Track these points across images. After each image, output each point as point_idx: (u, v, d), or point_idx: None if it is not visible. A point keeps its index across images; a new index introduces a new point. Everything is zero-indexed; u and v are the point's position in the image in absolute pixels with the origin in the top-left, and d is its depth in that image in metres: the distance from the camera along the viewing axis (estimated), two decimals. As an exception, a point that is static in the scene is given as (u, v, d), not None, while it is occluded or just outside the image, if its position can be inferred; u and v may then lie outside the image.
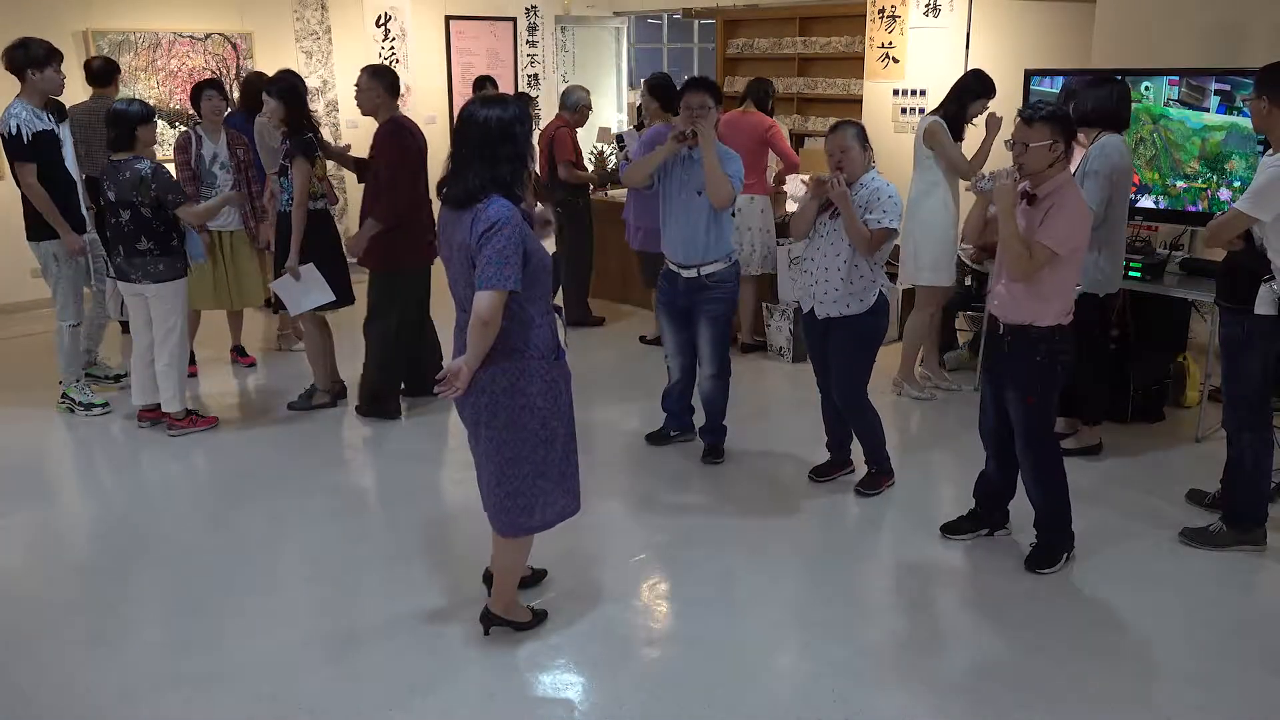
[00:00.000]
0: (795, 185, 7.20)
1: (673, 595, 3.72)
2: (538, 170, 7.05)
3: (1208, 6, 5.70)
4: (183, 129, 5.65)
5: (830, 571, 3.87)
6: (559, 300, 7.31)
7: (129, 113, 4.85)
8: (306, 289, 5.17)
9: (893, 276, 5.84)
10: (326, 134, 7.58)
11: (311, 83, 8.45)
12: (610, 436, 5.21)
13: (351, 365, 5.63)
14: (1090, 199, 4.38)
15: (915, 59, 7.76)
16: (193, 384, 5.64)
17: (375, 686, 3.15)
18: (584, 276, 7.21)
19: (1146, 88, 5.32)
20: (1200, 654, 3.31)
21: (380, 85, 5.07)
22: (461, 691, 3.14)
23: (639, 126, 8.39)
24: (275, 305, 6.10)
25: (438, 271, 5.30)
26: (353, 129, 8.70)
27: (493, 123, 2.96)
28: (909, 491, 4.54)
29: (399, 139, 5.03)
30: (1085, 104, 4.56)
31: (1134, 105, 4.92)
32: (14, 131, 5.03)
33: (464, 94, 9.32)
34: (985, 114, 5.32)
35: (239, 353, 6.39)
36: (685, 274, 4.60)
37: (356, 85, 5.10)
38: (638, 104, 10.10)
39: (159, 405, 5.22)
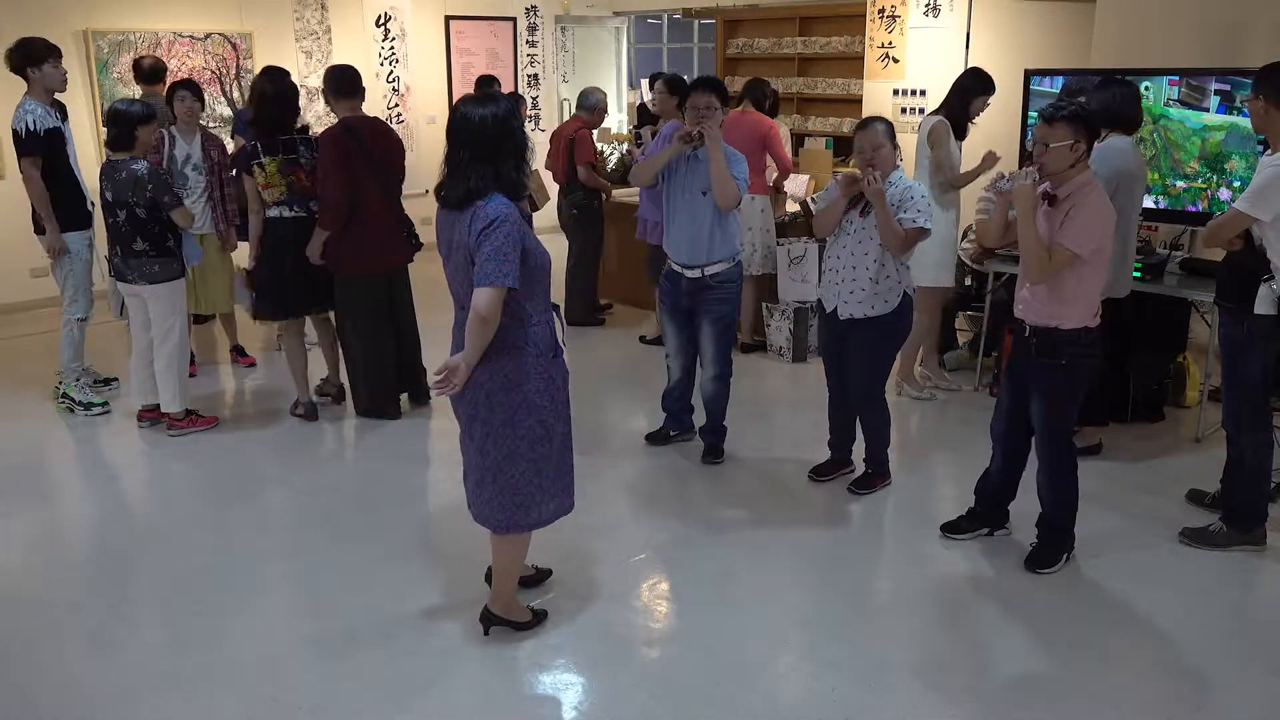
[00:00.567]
0: (795, 185, 7.21)
1: (673, 595, 3.72)
2: (554, 171, 7.08)
3: (1208, 6, 5.71)
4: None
5: (830, 571, 3.87)
6: (561, 299, 7.35)
7: (130, 113, 4.84)
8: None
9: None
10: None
11: (312, 83, 8.46)
12: (610, 436, 5.21)
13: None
14: None
15: (915, 59, 7.77)
16: (193, 384, 5.64)
17: (375, 686, 3.15)
18: (590, 276, 7.21)
19: (1146, 88, 5.31)
20: (1200, 654, 3.31)
21: (327, 89, 5.03)
22: (461, 691, 3.14)
23: (638, 127, 8.40)
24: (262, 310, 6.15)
25: (420, 273, 5.41)
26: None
27: (489, 121, 2.95)
28: (909, 491, 4.54)
29: (335, 144, 4.87)
30: (1091, 105, 4.51)
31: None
32: (30, 126, 5.10)
33: (464, 94, 9.31)
34: (985, 154, 5.27)
35: (239, 353, 6.39)
36: (689, 274, 4.58)
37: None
38: (638, 104, 10.14)
39: (159, 405, 5.21)
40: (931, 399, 5.69)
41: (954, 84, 5.42)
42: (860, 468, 4.59)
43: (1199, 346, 5.65)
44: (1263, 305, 3.71)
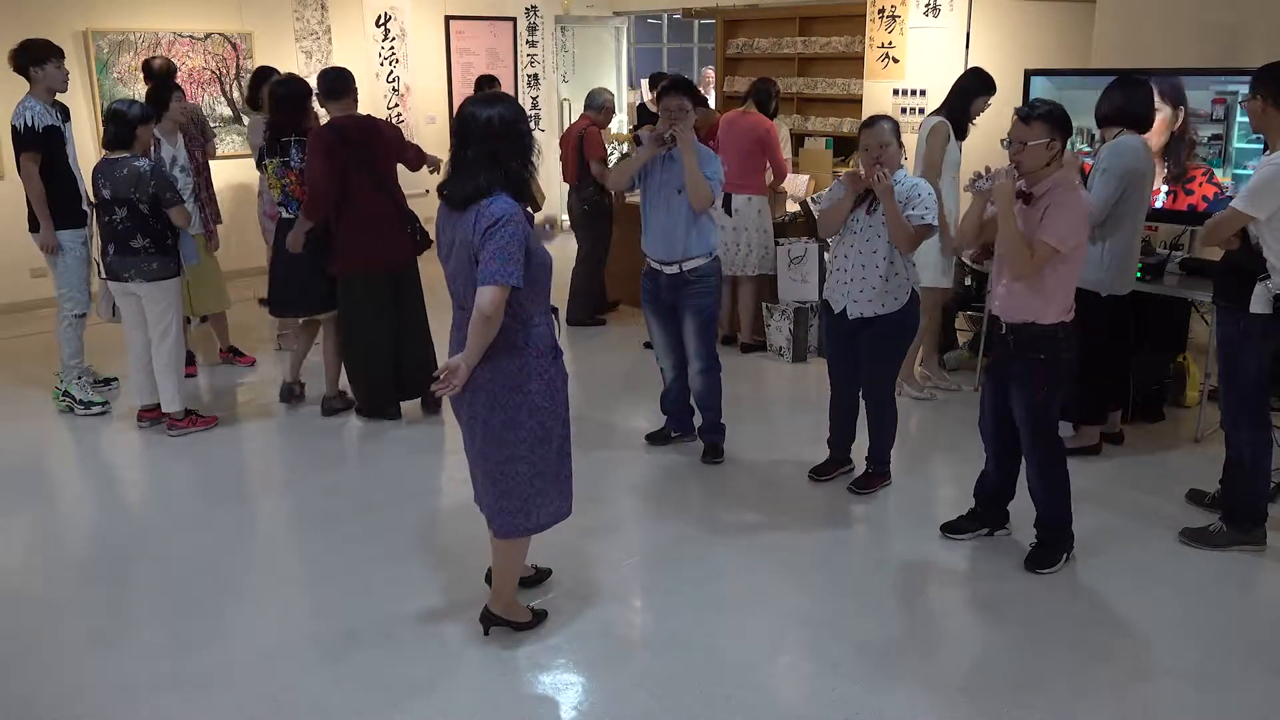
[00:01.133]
0: (795, 185, 7.21)
1: (672, 595, 3.71)
2: (565, 171, 7.10)
3: (1208, 6, 5.70)
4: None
5: (830, 571, 3.87)
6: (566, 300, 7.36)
7: (130, 113, 4.89)
8: None
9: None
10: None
11: (312, 82, 8.44)
12: (611, 437, 5.21)
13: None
14: (1097, 196, 4.39)
15: (915, 59, 7.77)
16: (191, 384, 5.64)
17: (375, 686, 3.15)
18: (595, 277, 7.21)
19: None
20: (1200, 654, 3.31)
21: (320, 93, 5.11)
22: (461, 691, 3.14)
23: (637, 127, 8.40)
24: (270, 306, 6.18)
25: (435, 274, 5.38)
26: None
27: (496, 121, 2.95)
28: (909, 491, 4.54)
29: (317, 140, 4.96)
30: (1106, 104, 4.53)
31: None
32: (29, 123, 5.15)
33: (464, 94, 9.31)
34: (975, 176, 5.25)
35: (235, 353, 6.39)
36: (667, 270, 4.62)
37: None
38: (638, 104, 10.14)
39: (158, 405, 5.23)
40: (931, 399, 5.69)
41: (954, 84, 5.42)
42: (860, 467, 4.60)
43: (1199, 346, 5.65)
44: (1258, 304, 3.72)
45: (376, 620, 3.50)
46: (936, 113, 5.40)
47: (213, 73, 8.27)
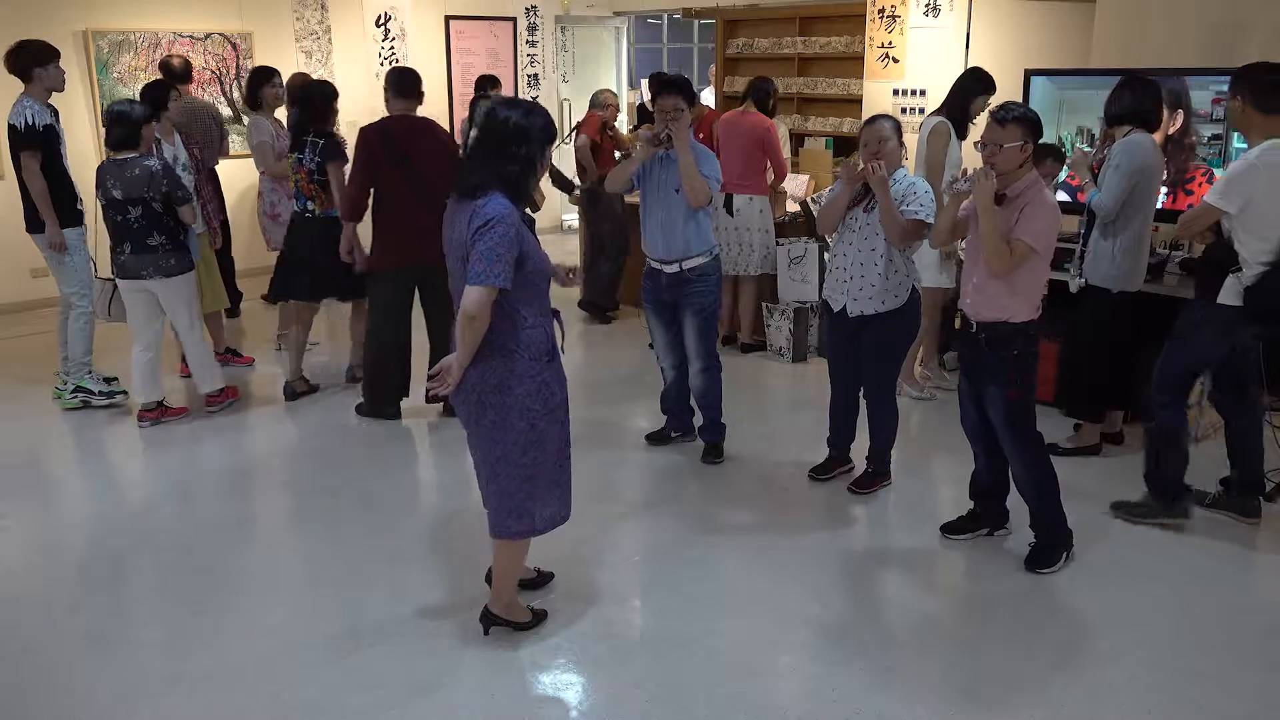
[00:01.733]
0: (795, 185, 7.21)
1: (673, 595, 3.71)
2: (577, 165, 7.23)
3: (1208, 6, 5.70)
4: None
5: (830, 571, 3.87)
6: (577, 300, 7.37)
7: (134, 114, 5.02)
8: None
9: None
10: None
11: (338, 85, 8.45)
12: (611, 436, 5.21)
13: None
14: (1110, 193, 4.47)
15: (915, 59, 7.76)
16: (192, 384, 5.65)
17: (375, 686, 3.15)
18: (614, 264, 7.18)
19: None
20: (1198, 652, 3.31)
21: (387, 86, 5.19)
22: (461, 691, 3.14)
23: (637, 127, 8.39)
24: (272, 298, 6.42)
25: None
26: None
27: (508, 122, 2.99)
28: (909, 491, 4.54)
29: (362, 142, 5.04)
30: (1117, 103, 4.57)
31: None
32: (29, 121, 5.19)
33: (464, 94, 9.32)
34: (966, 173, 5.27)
35: (233, 354, 6.40)
36: (668, 270, 4.63)
37: None
38: (638, 104, 10.13)
39: (158, 404, 5.31)
40: (931, 399, 5.69)
41: (954, 84, 5.43)
42: (859, 466, 4.60)
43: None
44: (1227, 295, 3.85)
45: (377, 620, 3.50)
46: (936, 113, 5.40)
47: (213, 73, 8.27)
